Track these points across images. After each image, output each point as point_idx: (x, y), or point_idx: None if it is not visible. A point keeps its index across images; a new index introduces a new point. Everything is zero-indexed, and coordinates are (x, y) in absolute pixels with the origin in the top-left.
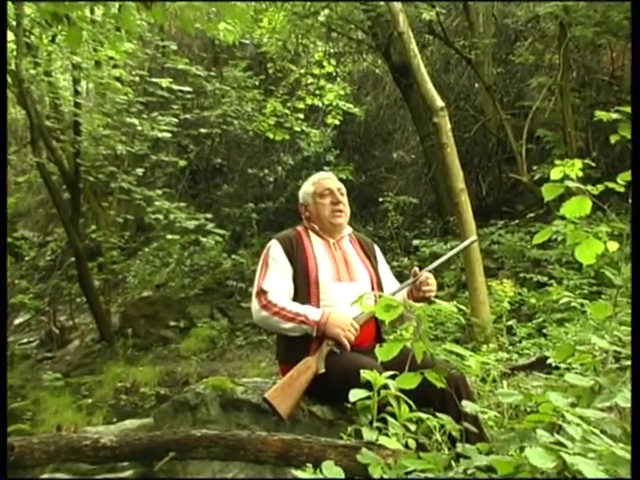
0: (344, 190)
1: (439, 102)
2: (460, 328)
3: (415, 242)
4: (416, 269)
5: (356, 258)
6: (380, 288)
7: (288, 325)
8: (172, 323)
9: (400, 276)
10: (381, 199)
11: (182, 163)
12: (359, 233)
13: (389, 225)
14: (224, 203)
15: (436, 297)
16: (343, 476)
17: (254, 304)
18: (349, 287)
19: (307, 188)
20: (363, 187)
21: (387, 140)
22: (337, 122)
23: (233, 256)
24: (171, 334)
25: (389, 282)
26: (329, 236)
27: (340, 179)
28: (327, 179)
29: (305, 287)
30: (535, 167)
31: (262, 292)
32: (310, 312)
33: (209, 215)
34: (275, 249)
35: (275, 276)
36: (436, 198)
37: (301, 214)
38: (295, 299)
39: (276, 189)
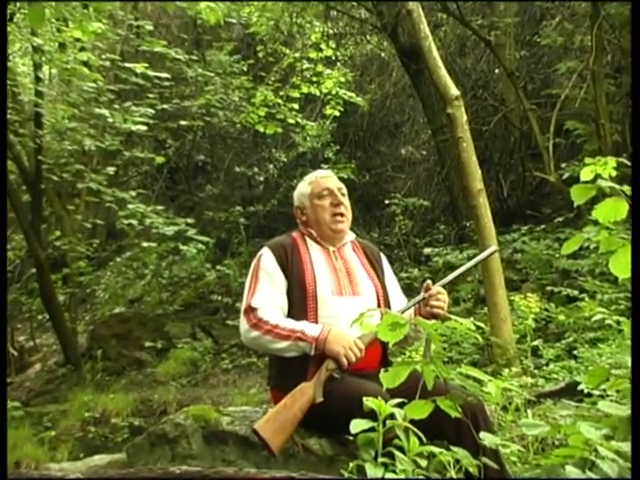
0: (345, 190)
1: (454, 90)
2: (478, 349)
3: (426, 250)
4: (429, 282)
5: (360, 269)
6: (387, 303)
7: (282, 344)
8: (148, 344)
9: (409, 289)
10: (387, 201)
11: (159, 160)
12: (364, 240)
13: (396, 231)
14: (208, 206)
15: (451, 313)
16: None
17: (242, 323)
18: (352, 302)
19: (303, 188)
20: (367, 188)
21: (394, 134)
22: (337, 113)
23: (218, 267)
24: (147, 356)
25: (397, 296)
26: (329, 243)
27: (340, 179)
28: (326, 178)
29: (301, 302)
30: (564, 164)
31: (251, 309)
32: (307, 327)
33: (190, 220)
34: (266, 259)
35: (266, 290)
36: (450, 200)
37: (296, 218)
38: (290, 316)
39: (267, 190)
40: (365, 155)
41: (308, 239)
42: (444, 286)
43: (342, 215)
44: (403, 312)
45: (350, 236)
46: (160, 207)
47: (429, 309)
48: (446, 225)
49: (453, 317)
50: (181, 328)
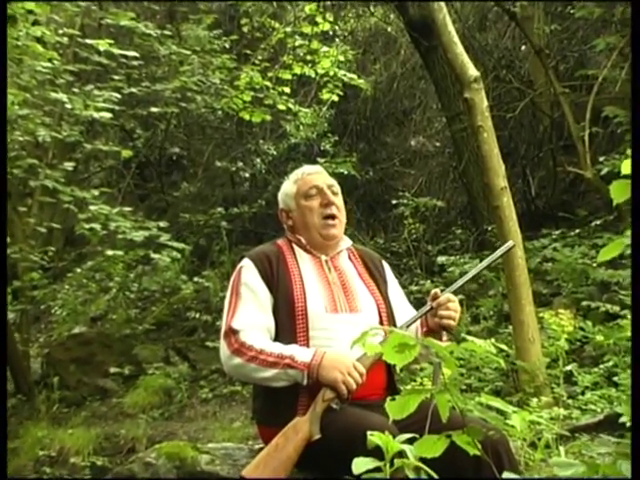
0: (337, 188)
1: (472, 71)
2: (501, 375)
3: (440, 259)
4: (437, 291)
5: (358, 281)
6: (391, 320)
7: (269, 373)
8: (113, 370)
9: (420, 305)
10: (395, 201)
11: (127, 154)
12: (363, 247)
13: (405, 236)
14: (183, 207)
15: (469, 334)
16: None
17: (223, 348)
18: (349, 320)
19: (288, 188)
20: (370, 185)
21: (402, 122)
22: (335, 98)
23: (196, 279)
24: (112, 384)
25: (404, 312)
26: (320, 252)
27: (339, 175)
28: (314, 174)
29: (289, 322)
30: (602, 158)
31: (232, 332)
32: (298, 352)
33: (163, 223)
34: (248, 272)
35: (249, 309)
36: (468, 200)
37: (282, 223)
38: (277, 338)
39: (254, 188)
40: (368, 147)
41: (296, 247)
42: (455, 293)
43: (334, 217)
44: (408, 326)
45: (346, 243)
46: (127, 208)
47: (437, 320)
48: (463, 229)
49: (471, 338)
50: (152, 351)
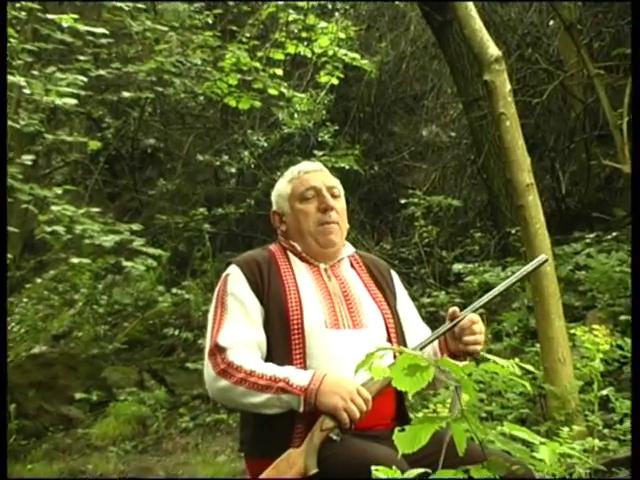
0: (339, 190)
1: (493, 50)
2: (527, 401)
3: (457, 267)
4: (455, 309)
5: (362, 292)
6: (400, 337)
7: (260, 398)
8: (79, 395)
9: (434, 321)
10: (404, 200)
11: (94, 146)
12: (367, 254)
13: (416, 241)
14: (160, 208)
15: (490, 352)
16: None
17: (207, 369)
18: (352, 337)
19: (282, 187)
20: (376, 182)
21: (412, 109)
22: (335, 81)
23: (174, 290)
24: (77, 412)
25: (415, 330)
26: (319, 260)
27: (340, 170)
28: (312, 173)
29: (284, 339)
30: None
31: (218, 350)
32: (294, 374)
33: (136, 226)
34: (235, 280)
35: (237, 323)
36: (489, 199)
37: (275, 227)
38: (268, 358)
39: (241, 186)
40: (373, 138)
41: (291, 254)
42: (478, 312)
43: (333, 223)
44: (422, 348)
45: (348, 250)
46: (95, 209)
47: (462, 346)
48: (483, 233)
49: (493, 358)
50: (124, 374)
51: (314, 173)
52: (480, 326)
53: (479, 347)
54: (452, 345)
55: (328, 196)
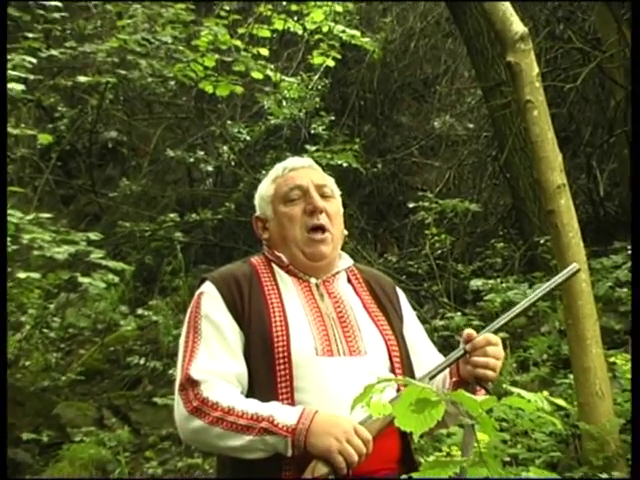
0: (332, 189)
1: (518, 26)
2: (559, 442)
3: (475, 283)
4: (470, 331)
5: (361, 313)
6: (407, 368)
7: (240, 440)
8: (27, 436)
9: (448, 347)
10: (412, 204)
11: (45, 139)
12: (368, 268)
13: (427, 252)
14: (123, 213)
15: (515, 384)
16: None
17: (178, 406)
18: (349, 366)
19: (264, 188)
20: (379, 182)
21: (422, 96)
22: (331, 63)
23: (140, 311)
24: (25, 456)
25: (425, 357)
26: (309, 273)
27: (336, 168)
28: (298, 170)
29: (267, 369)
30: None
31: (191, 384)
32: (279, 412)
33: (95, 235)
34: (210, 301)
35: (213, 351)
36: (513, 203)
37: (258, 235)
38: (250, 392)
39: (220, 187)
40: (376, 130)
41: (276, 268)
42: (496, 333)
43: (323, 230)
44: (432, 378)
45: (345, 262)
46: (46, 215)
47: (471, 369)
48: (507, 243)
49: (518, 391)
50: (80, 410)
51: (301, 170)
52: (497, 349)
53: (490, 373)
54: (462, 369)
55: (316, 196)
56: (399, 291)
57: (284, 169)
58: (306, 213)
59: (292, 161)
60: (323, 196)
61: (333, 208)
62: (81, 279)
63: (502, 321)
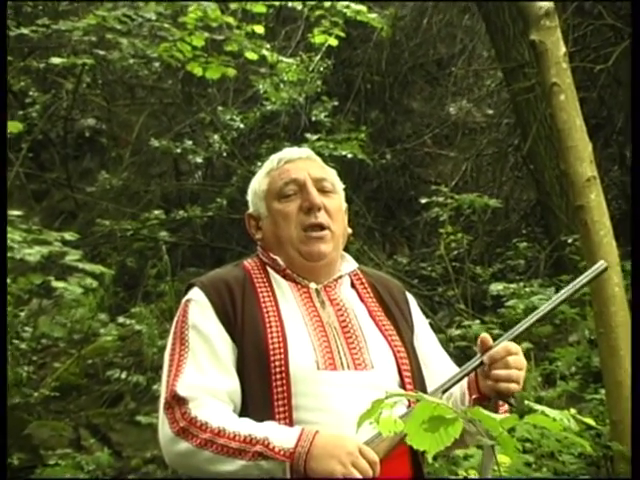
0: (334, 183)
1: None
2: (589, 465)
3: (496, 288)
4: (486, 336)
5: (367, 322)
6: (418, 382)
7: (232, 466)
8: None
9: (466, 359)
10: (425, 200)
11: (14, 128)
12: (375, 271)
13: (441, 253)
14: (102, 210)
15: (539, 401)
16: None
17: (164, 426)
18: (353, 381)
19: (257, 183)
20: (388, 175)
21: (436, 79)
22: (334, 42)
23: (121, 319)
24: None
25: (438, 369)
26: (308, 278)
27: (340, 160)
28: (295, 162)
29: (262, 386)
30: None
31: (177, 402)
32: (276, 433)
33: (71, 235)
34: (198, 309)
35: (201, 366)
36: (538, 197)
37: (250, 235)
38: (244, 411)
39: (210, 181)
40: (385, 117)
41: (272, 272)
42: (516, 340)
43: (322, 227)
44: (445, 391)
45: (348, 265)
46: (16, 212)
47: (492, 384)
48: (530, 242)
49: (543, 408)
50: (55, 430)
51: (298, 162)
52: (518, 359)
53: (514, 386)
54: (482, 384)
55: (313, 191)
56: (409, 296)
57: (279, 161)
58: (302, 210)
59: (288, 152)
60: (322, 191)
61: (333, 204)
62: (55, 284)
63: (522, 327)
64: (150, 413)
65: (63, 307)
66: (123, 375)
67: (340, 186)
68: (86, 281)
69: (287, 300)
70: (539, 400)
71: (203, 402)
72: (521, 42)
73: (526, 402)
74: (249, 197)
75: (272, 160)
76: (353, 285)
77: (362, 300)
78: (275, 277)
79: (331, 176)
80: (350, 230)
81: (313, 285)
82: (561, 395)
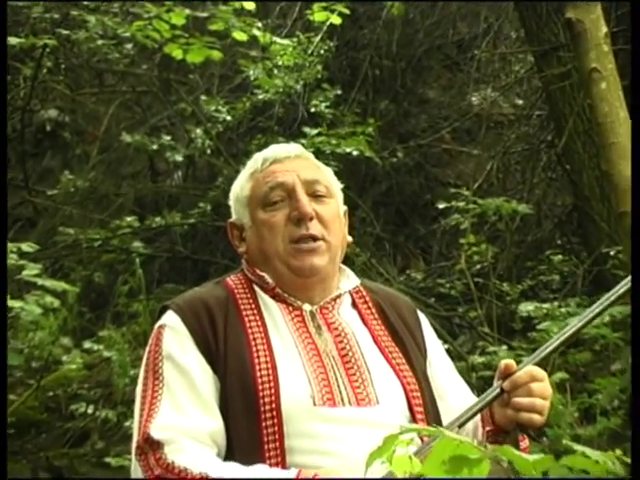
0: (329, 185)
1: None
2: None
3: (526, 308)
4: (509, 362)
5: (371, 348)
6: (432, 416)
7: None
8: None
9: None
10: (443, 205)
11: None
12: (382, 287)
13: (462, 267)
14: (65, 217)
15: (576, 439)
16: None
17: (136, 473)
18: (357, 419)
19: (239, 187)
20: (400, 176)
21: (456, 64)
22: (337, 20)
23: (88, 344)
24: None
25: (455, 401)
26: (301, 298)
27: (344, 158)
28: (283, 162)
29: (250, 425)
30: None
31: (152, 445)
32: (268, 477)
33: (28, 246)
34: (174, 337)
35: (178, 403)
36: (575, 202)
37: (233, 246)
38: (230, 454)
39: (191, 182)
40: (395, 108)
41: (259, 290)
42: (541, 365)
43: (314, 239)
44: (461, 425)
45: (349, 281)
46: None
47: (512, 413)
48: (566, 255)
49: (581, 448)
50: (11, 473)
51: (286, 162)
52: (544, 386)
53: (537, 418)
54: (498, 413)
55: (303, 198)
56: (421, 316)
57: (264, 161)
58: (291, 221)
59: (274, 150)
60: (314, 196)
61: (328, 211)
62: (11, 303)
63: (549, 348)
64: (121, 454)
65: (19, 330)
66: (90, 409)
67: (337, 187)
68: (46, 300)
69: (277, 325)
70: (577, 438)
71: (181, 445)
72: (555, 21)
73: (563, 441)
74: (231, 203)
75: (256, 160)
76: (354, 305)
77: (365, 323)
78: (263, 297)
79: (325, 177)
80: (350, 238)
81: (307, 307)
82: (602, 433)
